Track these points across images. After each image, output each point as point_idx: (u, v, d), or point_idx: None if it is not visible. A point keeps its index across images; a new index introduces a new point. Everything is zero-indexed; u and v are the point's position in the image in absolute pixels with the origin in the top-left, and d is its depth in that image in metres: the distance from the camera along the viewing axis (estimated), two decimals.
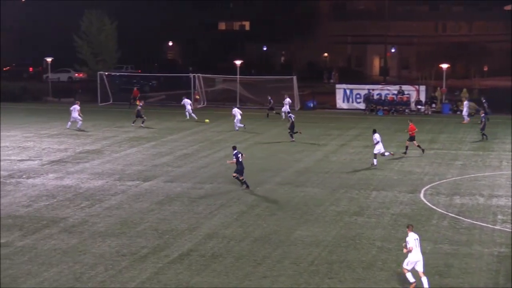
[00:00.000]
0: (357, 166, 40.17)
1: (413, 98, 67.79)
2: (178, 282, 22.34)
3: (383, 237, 26.86)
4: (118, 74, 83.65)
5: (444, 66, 69.48)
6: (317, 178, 37.26)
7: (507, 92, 68.30)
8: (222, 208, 31.08)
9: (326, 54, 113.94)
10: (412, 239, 21.62)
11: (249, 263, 23.99)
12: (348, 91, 70.09)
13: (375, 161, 40.08)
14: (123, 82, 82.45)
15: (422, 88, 68.88)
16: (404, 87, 68.97)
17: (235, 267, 23.66)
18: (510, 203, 31.90)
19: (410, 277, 21.67)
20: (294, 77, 71.48)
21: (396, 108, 67.45)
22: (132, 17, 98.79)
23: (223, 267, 23.61)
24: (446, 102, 68.08)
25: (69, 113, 54.85)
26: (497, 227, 28.41)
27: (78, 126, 54.24)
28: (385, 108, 67.50)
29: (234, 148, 35.48)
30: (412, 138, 43.53)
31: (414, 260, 21.56)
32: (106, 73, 75.99)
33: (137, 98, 68.57)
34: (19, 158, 42.61)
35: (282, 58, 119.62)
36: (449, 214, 30.26)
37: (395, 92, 68.35)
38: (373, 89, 69.17)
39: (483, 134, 49.44)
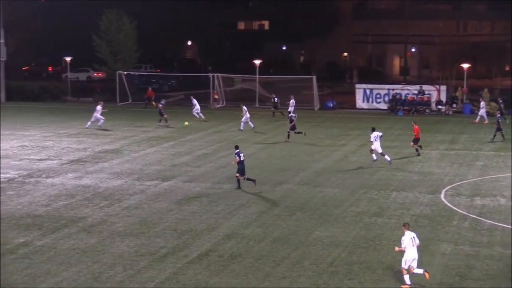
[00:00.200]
0: (377, 167, 39.89)
1: (433, 98, 67.39)
2: (197, 283, 22.25)
3: None
4: (137, 73, 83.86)
5: (465, 65, 69.01)
6: (336, 178, 37.07)
7: None
8: (241, 208, 30.98)
9: (346, 54, 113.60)
10: (408, 238, 21.70)
11: (268, 264, 23.87)
12: (368, 91, 69.82)
13: (374, 156, 40.21)
14: (142, 82, 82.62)
15: (443, 88, 68.49)
16: (425, 87, 68.59)
17: (254, 267, 23.54)
18: None
19: (407, 279, 21.68)
20: (314, 77, 71.34)
21: (416, 108, 67.08)
22: (151, 16, 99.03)
23: (242, 268, 23.50)
24: (467, 102, 67.58)
25: (90, 112, 55.05)
26: None
27: (99, 124, 54.48)
28: (405, 108, 67.13)
29: (236, 147, 35.43)
30: (416, 141, 42.76)
31: (411, 258, 21.65)
32: (125, 73, 76.18)
33: (152, 99, 68.75)
34: (38, 158, 42.72)
35: (302, 58, 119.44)
36: (470, 215, 30.00)
37: (415, 92, 67.98)
38: (393, 89, 68.81)
39: (502, 135, 49.04)
